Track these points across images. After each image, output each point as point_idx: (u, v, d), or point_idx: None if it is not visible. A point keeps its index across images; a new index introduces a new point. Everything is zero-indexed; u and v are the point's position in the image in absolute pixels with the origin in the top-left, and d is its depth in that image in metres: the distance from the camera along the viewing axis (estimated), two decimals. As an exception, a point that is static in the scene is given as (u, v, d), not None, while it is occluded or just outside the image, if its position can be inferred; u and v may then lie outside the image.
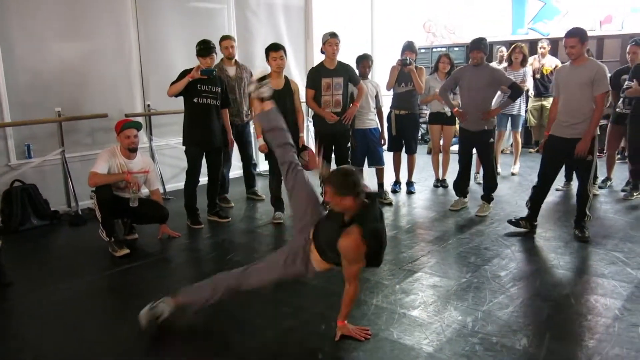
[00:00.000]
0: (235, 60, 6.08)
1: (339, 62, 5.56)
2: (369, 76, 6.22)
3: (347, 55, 5.90)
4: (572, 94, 4.60)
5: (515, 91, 5.49)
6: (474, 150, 5.78)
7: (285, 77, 5.39)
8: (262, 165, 7.34)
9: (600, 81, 4.46)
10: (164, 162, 6.80)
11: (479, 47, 5.31)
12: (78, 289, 3.99)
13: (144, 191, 4.94)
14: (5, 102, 5.40)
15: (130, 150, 4.73)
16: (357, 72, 5.81)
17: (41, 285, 4.02)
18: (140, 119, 6.54)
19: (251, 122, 6.09)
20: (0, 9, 5.32)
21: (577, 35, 4.47)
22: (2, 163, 5.47)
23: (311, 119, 5.97)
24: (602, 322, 3.22)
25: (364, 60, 6.11)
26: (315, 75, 5.55)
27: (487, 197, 5.67)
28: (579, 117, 4.56)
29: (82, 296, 3.90)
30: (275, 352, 2.95)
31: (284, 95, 5.26)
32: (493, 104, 5.68)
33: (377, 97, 6.15)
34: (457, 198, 5.89)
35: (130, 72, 6.45)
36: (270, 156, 5.46)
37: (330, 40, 5.43)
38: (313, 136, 8.63)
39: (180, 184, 6.57)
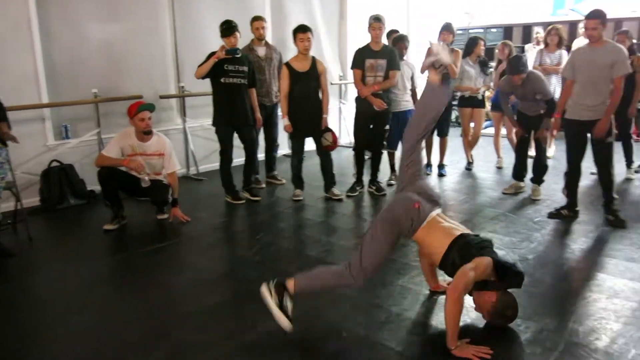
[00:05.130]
0: (266, 41, 6.12)
1: (384, 45, 5.58)
2: (405, 57, 6.16)
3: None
4: (591, 76, 4.53)
5: (551, 108, 5.31)
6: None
7: (313, 58, 5.45)
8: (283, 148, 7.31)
9: (621, 63, 4.41)
10: (197, 143, 6.90)
11: (519, 71, 5.22)
12: (110, 266, 4.16)
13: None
14: (43, 84, 5.54)
15: (145, 133, 4.82)
16: (398, 57, 5.75)
17: (75, 262, 4.17)
18: (174, 101, 6.69)
19: (279, 104, 6.10)
20: (39, -8, 5.44)
21: (598, 17, 4.43)
22: (41, 143, 5.63)
23: (353, 101, 5.96)
24: (629, 306, 3.18)
25: (400, 42, 6.07)
26: (360, 56, 5.57)
27: (538, 179, 5.62)
28: (598, 99, 4.51)
29: (114, 273, 4.05)
30: (299, 330, 3.00)
31: (311, 77, 5.36)
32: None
33: (412, 78, 6.10)
34: (514, 182, 5.85)
35: (165, 53, 6.56)
36: (293, 136, 5.53)
37: (374, 25, 5.47)
38: (344, 117, 8.72)
39: (213, 165, 6.75)
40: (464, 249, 2.86)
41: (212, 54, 5.20)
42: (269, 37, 6.82)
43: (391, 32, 6.64)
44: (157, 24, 6.43)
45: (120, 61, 6.14)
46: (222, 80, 5.29)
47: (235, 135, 5.54)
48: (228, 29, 5.24)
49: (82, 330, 3.10)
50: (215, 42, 6.06)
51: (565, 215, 4.87)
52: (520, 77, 5.22)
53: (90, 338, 3.01)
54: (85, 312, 3.32)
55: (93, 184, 5.54)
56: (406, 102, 6.05)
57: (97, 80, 5.94)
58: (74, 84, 5.79)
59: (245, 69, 5.39)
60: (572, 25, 9.22)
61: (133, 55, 6.23)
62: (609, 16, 4.54)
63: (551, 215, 4.92)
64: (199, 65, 5.25)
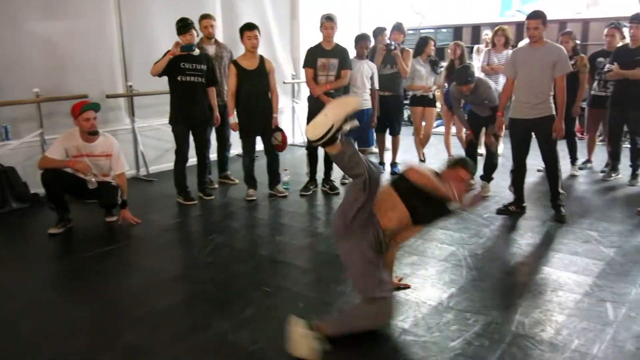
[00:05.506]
0: (215, 40, 6.08)
1: (336, 44, 5.59)
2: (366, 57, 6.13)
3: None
4: (533, 75, 4.66)
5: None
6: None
7: (261, 57, 5.44)
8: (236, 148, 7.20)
9: (563, 63, 4.57)
10: (147, 143, 6.76)
11: (467, 81, 5.30)
12: (58, 271, 4.04)
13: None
14: (-18, 83, 5.31)
15: (90, 134, 4.68)
16: (350, 56, 5.76)
17: (20, 268, 4.03)
18: (122, 100, 6.54)
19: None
20: (-23, -12, 5.24)
21: (539, 17, 4.58)
22: (-21, 145, 5.41)
23: (306, 100, 5.95)
24: (573, 298, 3.29)
25: (362, 41, 6.05)
26: (312, 55, 5.59)
27: (488, 177, 5.75)
28: (540, 97, 4.65)
29: (61, 278, 3.94)
30: (253, 330, 2.98)
31: (259, 75, 5.35)
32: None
33: (372, 78, 6.10)
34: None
35: (111, 52, 6.38)
36: (244, 135, 5.50)
37: (326, 24, 5.49)
38: (298, 116, 8.72)
39: (164, 166, 6.66)
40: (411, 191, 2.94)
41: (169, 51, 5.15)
42: (220, 36, 6.76)
43: (378, 31, 6.72)
44: (103, 23, 6.24)
45: (64, 60, 5.94)
46: (178, 78, 5.24)
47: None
48: (184, 26, 5.17)
49: (28, 338, 3.00)
50: (164, 41, 5.99)
51: (513, 211, 4.99)
52: (468, 87, 5.32)
53: (36, 345, 2.91)
54: (31, 318, 3.22)
55: (37, 187, 5.36)
56: (365, 102, 6.06)
57: (39, 79, 5.72)
58: (14, 83, 5.55)
59: (204, 67, 5.35)
60: (519, 26, 9.45)
61: (78, 54, 6.03)
62: (553, 17, 4.69)
63: (499, 212, 5.04)
64: (155, 63, 5.18)
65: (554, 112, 4.66)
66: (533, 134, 4.83)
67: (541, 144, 4.82)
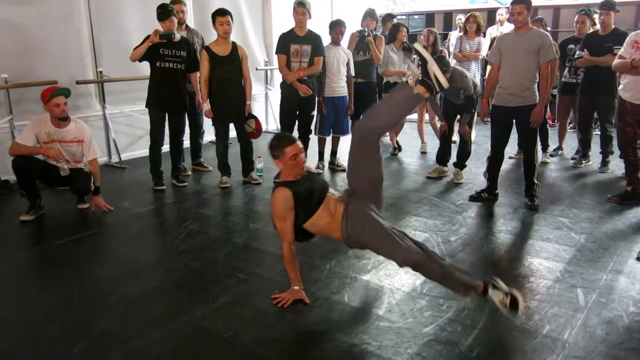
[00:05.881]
0: (187, 25, 6.02)
1: (309, 31, 5.56)
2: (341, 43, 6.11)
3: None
4: (517, 62, 4.63)
5: (470, 103, 5.49)
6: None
7: (233, 43, 5.41)
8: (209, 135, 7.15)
9: (547, 49, 4.53)
10: (119, 130, 6.66)
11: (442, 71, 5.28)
12: (28, 258, 3.98)
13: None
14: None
15: (61, 119, 4.62)
16: (324, 43, 5.74)
17: (-10, 255, 3.97)
18: (92, 86, 6.43)
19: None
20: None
21: (523, 2, 4.52)
22: (-54, 132, 5.29)
23: (279, 87, 5.93)
24: (544, 284, 3.35)
25: (337, 27, 6.02)
26: (285, 41, 5.55)
27: (461, 164, 5.78)
28: (524, 84, 4.62)
29: (32, 265, 3.89)
30: (227, 317, 2.98)
31: (232, 61, 5.32)
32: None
33: (348, 64, 6.08)
34: (438, 166, 5.97)
35: (80, 37, 6.26)
36: (217, 122, 5.47)
37: (297, 9, 5.48)
38: (271, 103, 8.68)
39: (136, 153, 6.59)
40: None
41: (149, 37, 5.11)
42: (190, 22, 6.67)
43: (388, 17, 6.66)
44: (72, 6, 6.11)
45: (32, 45, 5.81)
46: (157, 64, 5.24)
47: None
48: (164, 12, 5.15)
49: (0, 325, 2.96)
50: (134, 27, 5.90)
51: (486, 198, 5.04)
52: (445, 77, 5.32)
53: (8, 332, 2.89)
54: (3, 306, 3.18)
55: (7, 174, 5.27)
56: (341, 88, 6.05)
57: (8, 65, 5.60)
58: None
59: (183, 53, 5.31)
60: (491, 12, 9.51)
61: (46, 39, 5.91)
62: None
63: (472, 198, 5.09)
64: (135, 48, 5.16)
65: (537, 101, 4.65)
66: (514, 121, 4.80)
67: (522, 132, 4.83)
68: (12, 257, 3.90)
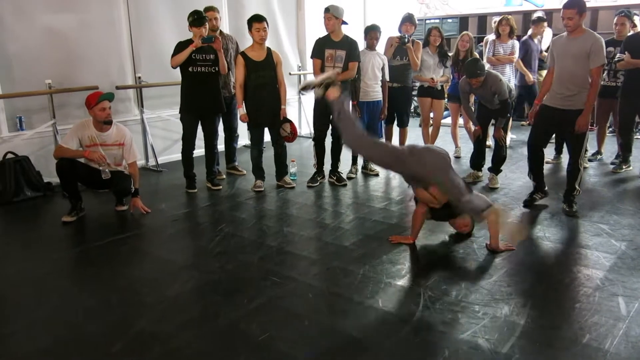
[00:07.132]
0: (221, 31, 6.09)
1: (345, 36, 5.57)
2: (377, 48, 6.10)
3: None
4: (567, 65, 4.53)
5: (504, 108, 5.46)
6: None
7: (268, 49, 5.45)
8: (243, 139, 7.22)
9: (597, 54, 4.38)
10: (155, 134, 6.80)
11: (476, 75, 5.29)
12: (69, 258, 4.07)
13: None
14: (-5, 74, 5.37)
15: (106, 123, 4.75)
16: (359, 48, 5.71)
17: (34, 254, 4.08)
18: (131, 91, 6.58)
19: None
20: (-12, -21, 5.27)
21: (575, 6, 4.37)
22: (-6, 135, 5.47)
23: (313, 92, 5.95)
24: (583, 292, 3.27)
25: (372, 32, 6.00)
26: (320, 46, 5.58)
27: (496, 169, 5.72)
28: (573, 89, 4.51)
29: (73, 266, 3.98)
30: (262, 320, 3.00)
31: (267, 67, 5.36)
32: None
33: (383, 69, 6.06)
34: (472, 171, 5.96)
35: (120, 43, 6.43)
36: (252, 126, 5.52)
37: (324, 15, 5.49)
38: (304, 107, 8.71)
39: (172, 157, 6.71)
40: None
41: (182, 43, 5.22)
42: (225, 28, 6.77)
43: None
44: (112, 14, 6.29)
45: (74, 52, 6.00)
46: (190, 69, 5.32)
47: None
48: (199, 19, 5.24)
49: (42, 323, 3.04)
50: (171, 33, 6.01)
51: (538, 199, 4.94)
52: (478, 80, 5.29)
53: (50, 331, 2.95)
54: (45, 305, 3.26)
55: (50, 176, 5.42)
56: (375, 93, 6.03)
57: (52, 70, 5.79)
58: (27, 75, 5.63)
59: (212, 56, 5.38)
60: (526, 15, 9.37)
61: (88, 45, 6.09)
62: (559, 7, 4.53)
63: (526, 203, 4.96)
64: (173, 55, 5.25)
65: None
66: (559, 123, 4.67)
67: (569, 137, 4.69)
68: (54, 258, 4.01)
